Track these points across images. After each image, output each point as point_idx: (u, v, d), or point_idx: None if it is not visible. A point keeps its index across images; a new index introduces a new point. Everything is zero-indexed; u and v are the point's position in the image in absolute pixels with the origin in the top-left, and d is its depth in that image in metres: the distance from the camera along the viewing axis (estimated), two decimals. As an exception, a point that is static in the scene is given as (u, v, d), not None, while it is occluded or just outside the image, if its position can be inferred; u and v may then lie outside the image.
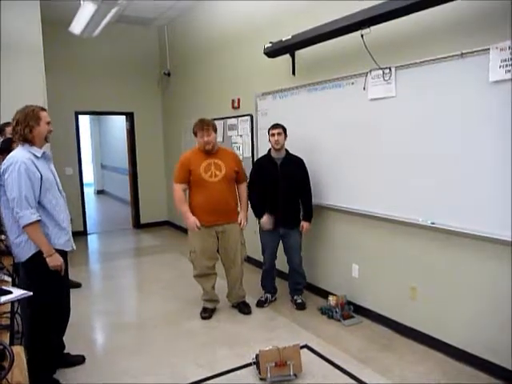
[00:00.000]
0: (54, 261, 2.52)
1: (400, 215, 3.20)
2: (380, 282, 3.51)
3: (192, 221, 3.52)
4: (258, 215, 3.85)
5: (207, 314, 3.74)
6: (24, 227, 2.43)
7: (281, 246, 3.91)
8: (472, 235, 2.72)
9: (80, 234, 6.87)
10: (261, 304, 3.92)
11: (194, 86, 6.33)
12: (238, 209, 3.76)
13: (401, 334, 3.31)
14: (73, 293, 2.97)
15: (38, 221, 2.46)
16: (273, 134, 3.71)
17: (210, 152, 3.58)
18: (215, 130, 3.60)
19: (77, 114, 6.91)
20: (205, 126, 3.53)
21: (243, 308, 3.82)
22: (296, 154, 3.82)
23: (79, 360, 2.99)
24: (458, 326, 2.93)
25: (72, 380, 2.75)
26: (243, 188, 3.78)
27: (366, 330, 3.42)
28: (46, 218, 2.53)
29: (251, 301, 3.92)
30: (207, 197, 3.52)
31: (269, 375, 2.69)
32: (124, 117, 7.59)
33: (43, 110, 2.62)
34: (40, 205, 2.50)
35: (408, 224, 3.16)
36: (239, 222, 3.67)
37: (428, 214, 2.98)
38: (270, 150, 3.83)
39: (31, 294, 2.22)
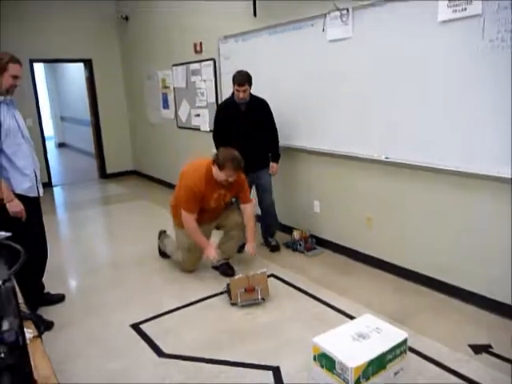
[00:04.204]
0: (14, 207, 2.60)
1: (358, 152, 3.41)
2: (339, 216, 3.79)
3: (212, 254, 3.32)
4: None
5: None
6: None
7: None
8: (421, 167, 2.98)
9: (45, 186, 6.76)
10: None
11: (154, 30, 6.17)
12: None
13: (357, 260, 3.64)
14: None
15: None
16: (238, 91, 3.58)
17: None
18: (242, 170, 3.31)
19: (31, 61, 6.59)
20: (238, 168, 3.17)
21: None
22: (259, 96, 3.79)
23: (60, 298, 3.15)
24: (411, 251, 3.24)
25: (54, 316, 2.91)
26: (249, 209, 3.47)
27: (326, 259, 3.74)
28: (7, 163, 2.62)
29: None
30: (206, 215, 3.42)
31: (239, 300, 2.95)
32: (82, 64, 7.33)
33: (16, 62, 2.61)
34: (1, 150, 2.58)
35: (365, 160, 3.39)
36: (248, 250, 3.43)
37: (383, 150, 3.21)
38: (233, 94, 3.72)
39: (10, 234, 2.32)
